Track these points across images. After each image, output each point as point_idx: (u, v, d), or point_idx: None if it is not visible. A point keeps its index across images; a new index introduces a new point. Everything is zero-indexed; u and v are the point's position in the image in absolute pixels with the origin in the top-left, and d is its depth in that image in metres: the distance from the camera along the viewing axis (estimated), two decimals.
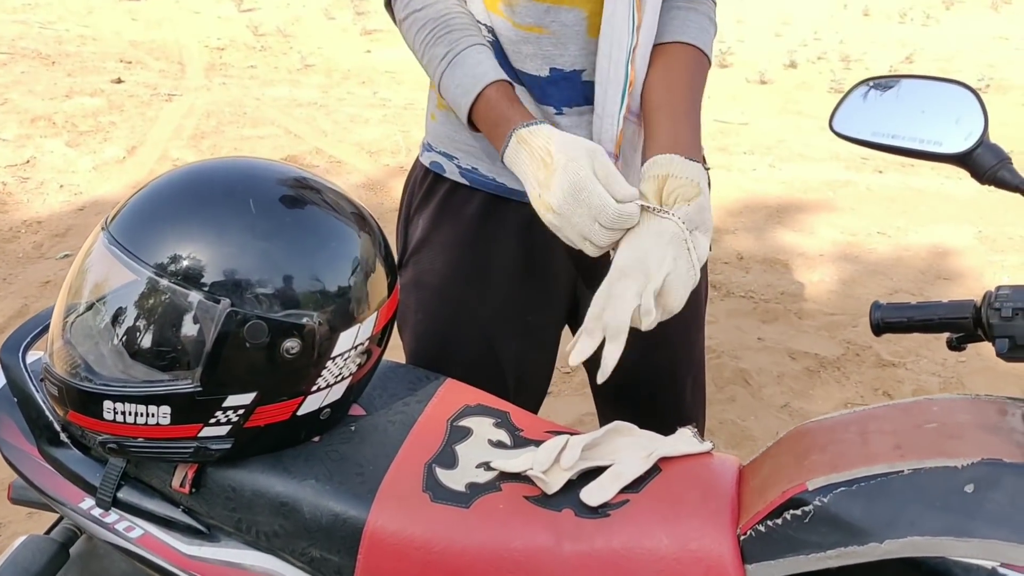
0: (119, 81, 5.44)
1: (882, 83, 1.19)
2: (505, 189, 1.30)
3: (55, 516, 1.27)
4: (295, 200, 1.05)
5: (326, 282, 1.02)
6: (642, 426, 1.25)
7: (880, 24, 8.23)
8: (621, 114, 1.21)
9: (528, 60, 1.23)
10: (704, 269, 1.49)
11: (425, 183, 1.37)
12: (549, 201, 1.07)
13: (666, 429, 1.39)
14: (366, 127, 4.88)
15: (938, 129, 1.13)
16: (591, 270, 1.30)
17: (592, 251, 1.08)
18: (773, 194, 4.17)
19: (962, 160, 1.11)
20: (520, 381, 1.40)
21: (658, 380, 1.45)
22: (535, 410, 1.46)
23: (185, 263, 0.98)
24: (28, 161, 4.24)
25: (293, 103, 5.26)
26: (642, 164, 1.13)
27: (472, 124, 1.18)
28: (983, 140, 1.10)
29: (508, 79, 1.17)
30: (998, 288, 1.08)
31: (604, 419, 1.54)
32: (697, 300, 1.45)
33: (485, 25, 1.23)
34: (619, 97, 1.20)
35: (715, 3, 1.32)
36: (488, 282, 1.34)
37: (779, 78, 6.11)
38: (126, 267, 0.99)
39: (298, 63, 6.23)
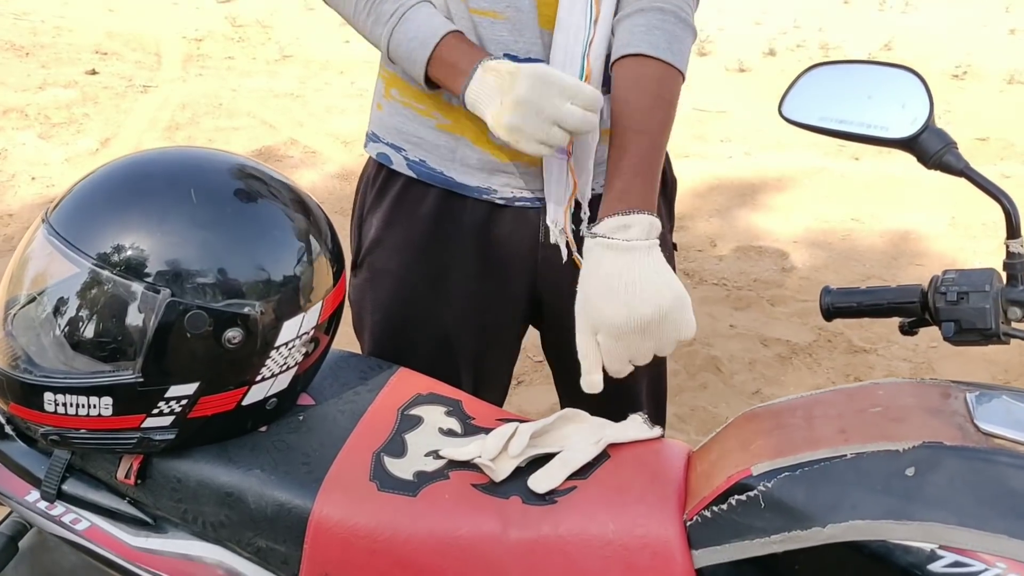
0: (94, 72, 5.40)
1: (830, 68, 1.19)
2: (455, 184, 1.28)
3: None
4: (238, 189, 1.04)
5: (269, 271, 1.02)
6: (602, 415, 1.25)
7: (859, 12, 8.24)
8: None
9: (483, 45, 1.21)
10: (670, 249, 1.48)
11: (377, 182, 1.35)
12: (508, 107, 1.09)
13: (623, 418, 1.38)
14: (342, 117, 4.86)
15: (885, 114, 1.13)
16: (551, 267, 1.30)
17: (547, 152, 1.11)
18: (748, 181, 4.18)
19: (908, 144, 1.11)
20: (479, 379, 1.39)
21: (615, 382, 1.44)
22: (498, 405, 1.45)
23: (125, 253, 0.97)
24: None
25: (270, 94, 5.23)
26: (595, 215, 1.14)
27: (428, 80, 1.18)
28: (928, 125, 1.10)
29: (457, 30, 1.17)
30: (944, 272, 1.08)
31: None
32: None
33: (440, 8, 1.22)
34: None
35: (694, 3, 1.24)
36: (445, 283, 1.33)
37: (758, 66, 6.11)
38: (66, 258, 0.98)
39: (276, 54, 6.20)
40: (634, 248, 1.07)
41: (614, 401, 1.41)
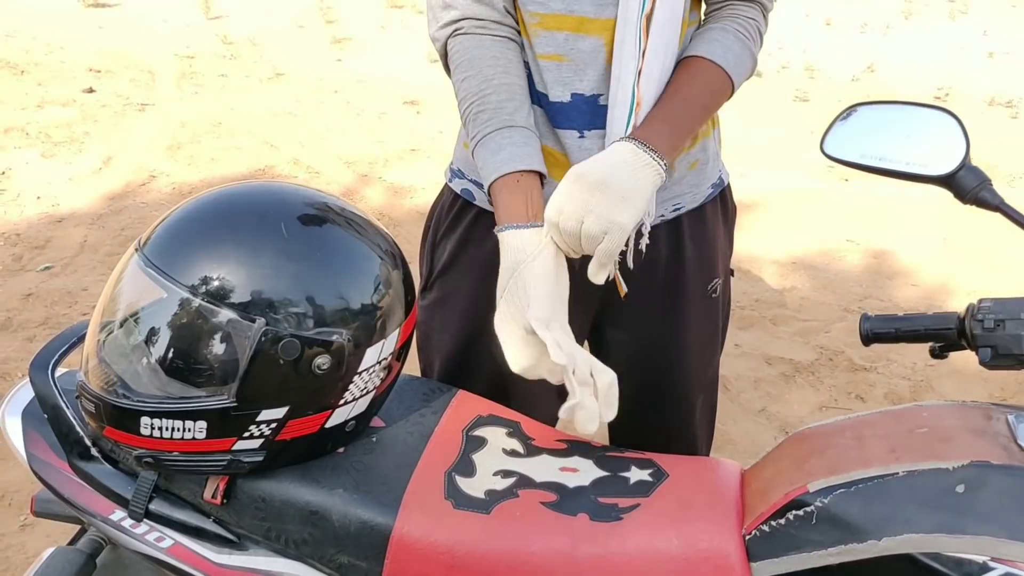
0: (91, 91, 5.42)
1: (869, 108, 1.26)
2: None
3: (47, 526, 1.31)
4: (323, 223, 1.10)
5: (353, 301, 1.08)
6: (651, 440, 1.31)
7: (842, 34, 8.37)
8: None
9: (551, 86, 1.28)
10: (728, 295, 1.55)
11: (453, 210, 1.42)
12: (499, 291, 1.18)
13: (673, 446, 1.44)
14: (342, 137, 4.91)
15: (923, 152, 1.20)
16: (613, 295, 1.36)
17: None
18: (744, 203, 4.25)
19: (946, 182, 1.19)
20: (537, 395, 1.45)
21: (671, 399, 1.49)
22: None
23: (220, 283, 1.02)
24: (3, 172, 4.22)
25: (267, 113, 5.27)
26: None
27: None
28: (965, 163, 1.17)
29: (517, 169, 1.22)
30: (980, 301, 1.15)
31: (613, 432, 1.59)
32: (714, 321, 1.50)
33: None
34: (625, 119, 1.25)
35: (760, 34, 1.35)
36: None
37: (745, 88, 6.18)
38: (162, 288, 1.03)
39: (269, 72, 6.23)
40: (642, 159, 1.15)
41: (669, 416, 1.47)
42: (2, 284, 3.36)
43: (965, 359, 2.99)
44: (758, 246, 3.85)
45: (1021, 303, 1.12)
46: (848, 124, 1.26)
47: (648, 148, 1.16)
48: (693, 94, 1.27)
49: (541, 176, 1.23)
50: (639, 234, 1.30)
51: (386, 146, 4.78)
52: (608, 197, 1.10)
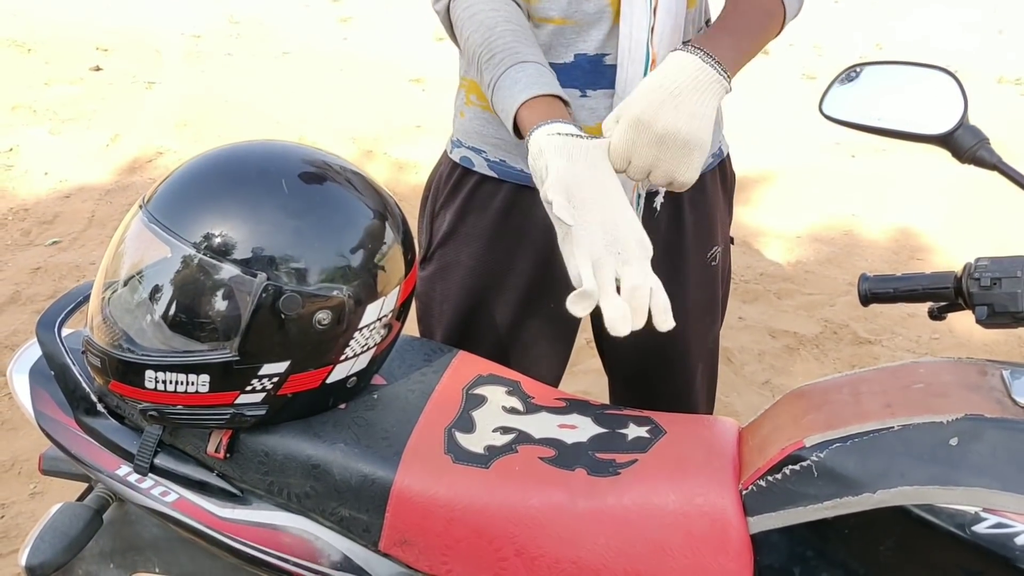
0: (98, 69, 5.43)
1: (868, 68, 1.27)
2: (532, 178, 1.35)
3: (56, 495, 1.33)
4: (323, 181, 1.11)
5: (353, 258, 1.09)
6: (651, 406, 1.32)
7: (850, 11, 8.33)
8: None
9: (553, 48, 1.28)
10: (728, 263, 1.55)
11: (452, 178, 1.42)
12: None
13: (674, 410, 1.45)
14: (347, 114, 4.91)
15: (921, 112, 1.21)
16: None
17: None
18: (751, 178, 4.26)
19: (944, 141, 1.19)
20: (537, 364, 1.46)
21: (670, 365, 1.50)
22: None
23: (222, 239, 1.03)
24: (11, 149, 4.24)
25: (273, 91, 5.27)
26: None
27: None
28: (963, 122, 1.18)
29: (537, 94, 1.15)
30: (977, 259, 1.16)
31: (614, 396, 1.60)
32: (713, 288, 1.51)
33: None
34: (641, 76, 1.25)
35: None
36: (512, 272, 1.40)
37: (752, 65, 6.17)
38: (166, 243, 1.05)
39: (275, 51, 6.23)
40: (708, 75, 1.09)
41: (668, 382, 1.49)
42: (11, 258, 3.38)
43: (970, 331, 3.00)
44: (764, 221, 3.85)
45: (1017, 261, 1.12)
46: (847, 85, 1.26)
47: (714, 61, 1.09)
48: (750, 11, 1.25)
49: (564, 103, 1.17)
50: (654, 192, 1.30)
51: (391, 123, 4.78)
52: (674, 152, 1.06)
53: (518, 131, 1.16)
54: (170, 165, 4.24)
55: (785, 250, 3.62)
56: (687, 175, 1.09)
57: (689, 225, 1.43)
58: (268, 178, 1.07)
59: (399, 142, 4.54)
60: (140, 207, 1.09)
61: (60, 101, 4.83)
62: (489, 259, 1.39)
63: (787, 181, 4.21)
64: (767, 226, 3.80)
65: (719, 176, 1.48)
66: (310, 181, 1.10)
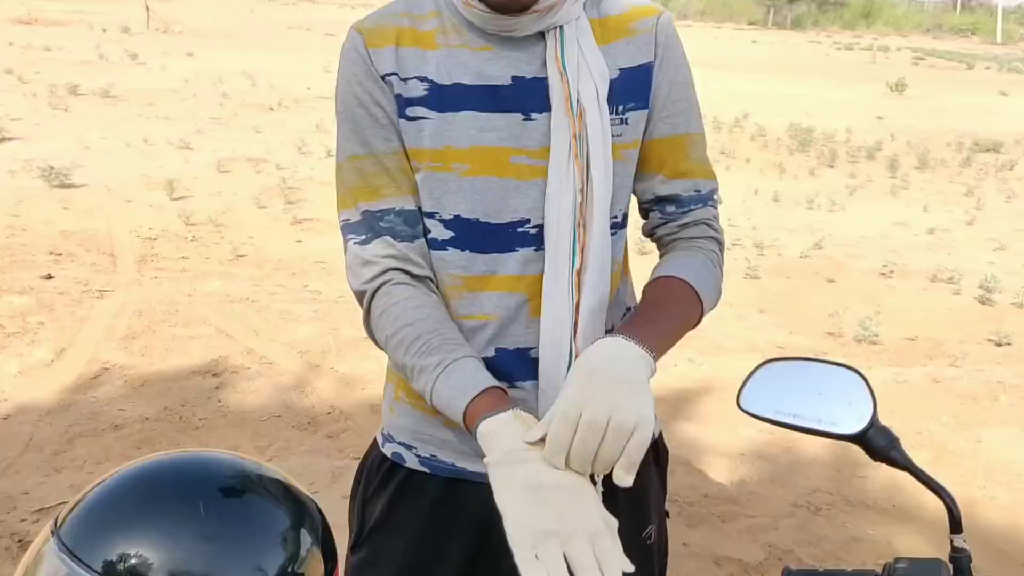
0: (49, 277, 5.46)
1: (781, 365, 1.31)
2: (467, 473, 1.35)
3: None
4: (242, 494, 1.11)
5: (270, 569, 1.07)
6: None
7: (789, 210, 8.69)
8: None
9: (474, 345, 1.30)
10: (664, 537, 1.55)
11: (382, 469, 1.42)
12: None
13: None
14: (297, 325, 4.96)
15: (833, 410, 1.25)
16: None
17: None
18: (694, 392, 4.32)
19: (857, 439, 1.23)
20: None
21: None
22: None
23: (130, 565, 1.01)
24: None
25: (225, 299, 5.32)
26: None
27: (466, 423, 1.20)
28: (873, 422, 1.22)
29: (483, 389, 1.19)
30: (896, 560, 1.17)
31: None
32: (649, 569, 1.50)
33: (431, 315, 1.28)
34: (563, 372, 1.28)
35: (719, 253, 1.39)
36: (443, 563, 1.38)
37: None
38: (72, 573, 1.02)
39: (229, 253, 6.32)
40: (637, 354, 1.11)
41: None
42: None
43: None
44: (707, 436, 3.87)
45: (934, 566, 1.14)
46: (762, 380, 1.30)
47: (636, 341, 1.13)
48: (667, 303, 1.29)
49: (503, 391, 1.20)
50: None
51: (340, 334, 4.82)
52: (632, 391, 1.08)
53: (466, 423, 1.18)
54: (115, 382, 4.20)
55: (728, 468, 3.63)
56: (648, 410, 1.08)
57: (623, 508, 1.43)
58: (185, 502, 1.06)
59: (347, 355, 4.57)
60: (52, 532, 1.07)
61: (7, 313, 4.83)
62: (419, 551, 1.38)
63: (730, 393, 4.27)
64: (710, 442, 3.83)
65: (651, 453, 1.49)
66: (229, 496, 1.10)
